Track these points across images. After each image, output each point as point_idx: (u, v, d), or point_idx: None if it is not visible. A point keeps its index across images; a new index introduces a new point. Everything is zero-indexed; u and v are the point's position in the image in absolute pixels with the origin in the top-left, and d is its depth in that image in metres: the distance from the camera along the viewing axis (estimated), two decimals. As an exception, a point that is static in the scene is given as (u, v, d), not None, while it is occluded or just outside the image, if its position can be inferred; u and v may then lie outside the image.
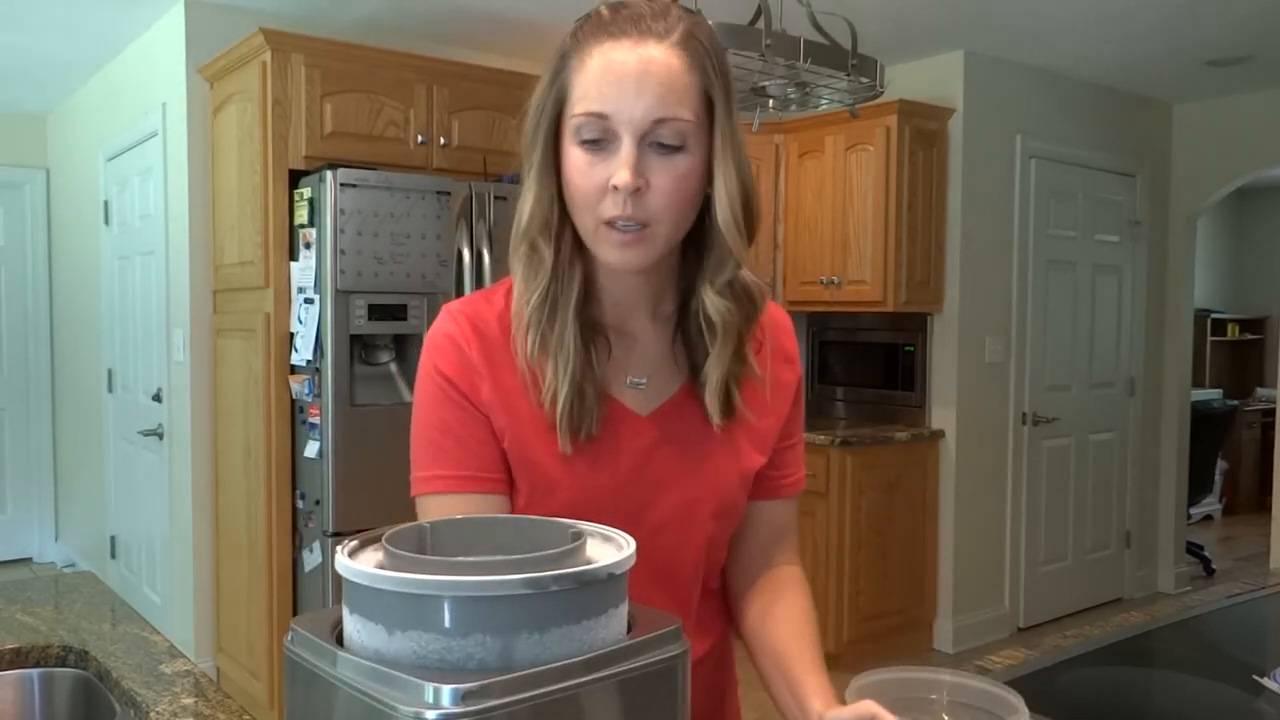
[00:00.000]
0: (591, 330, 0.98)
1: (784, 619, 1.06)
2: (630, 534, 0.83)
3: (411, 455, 1.00)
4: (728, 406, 1.00)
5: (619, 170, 0.89)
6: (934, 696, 0.96)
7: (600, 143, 0.90)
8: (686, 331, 1.01)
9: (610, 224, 0.91)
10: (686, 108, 0.90)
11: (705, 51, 0.92)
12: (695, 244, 0.98)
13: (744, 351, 1.01)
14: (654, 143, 0.90)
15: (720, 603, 1.13)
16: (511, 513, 0.98)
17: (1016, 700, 0.88)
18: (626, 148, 0.89)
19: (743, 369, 1.01)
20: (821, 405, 4.86)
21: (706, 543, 1.04)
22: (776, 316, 1.12)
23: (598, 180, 0.90)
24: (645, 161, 0.89)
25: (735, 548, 1.12)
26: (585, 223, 0.93)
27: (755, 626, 1.08)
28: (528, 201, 0.96)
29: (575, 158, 0.91)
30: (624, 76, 0.89)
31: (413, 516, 0.99)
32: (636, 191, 0.89)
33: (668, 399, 1.02)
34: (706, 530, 1.03)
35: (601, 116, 0.89)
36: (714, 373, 0.99)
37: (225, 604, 3.62)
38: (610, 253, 0.93)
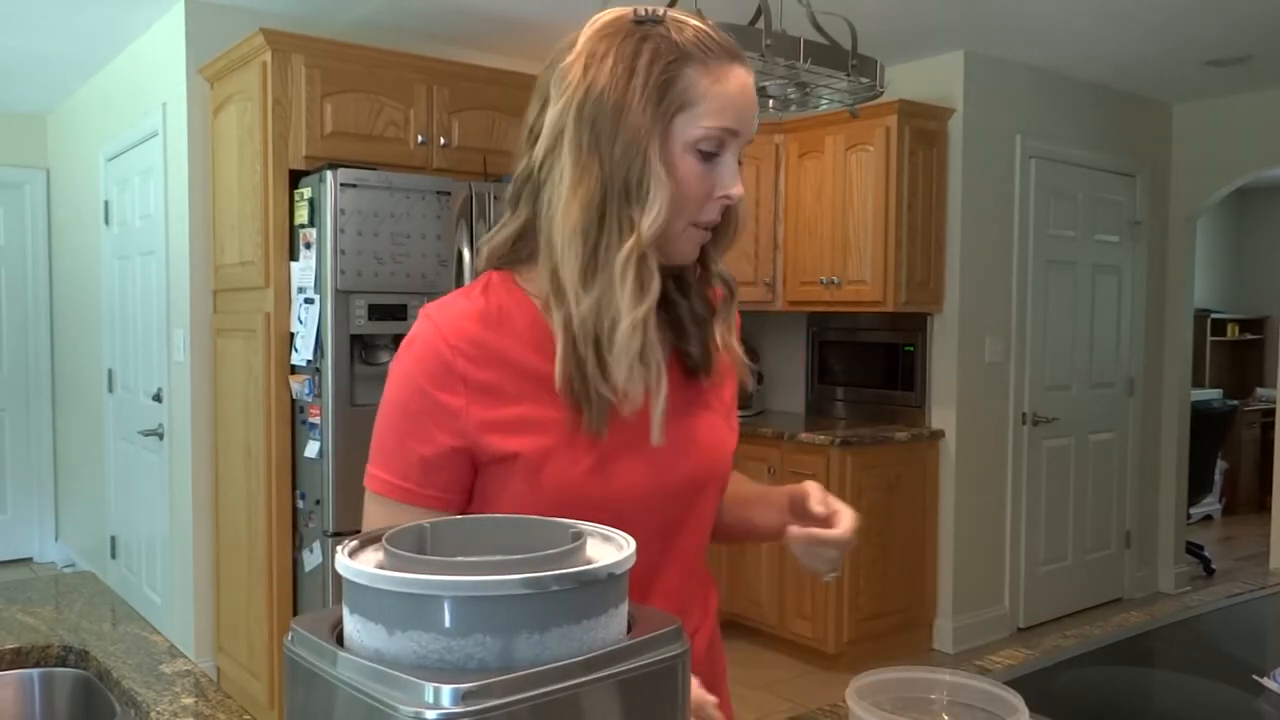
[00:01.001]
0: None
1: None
2: (648, 504, 0.97)
3: (372, 448, 1.01)
4: (704, 355, 1.08)
5: (735, 184, 0.98)
6: (934, 696, 0.96)
7: (713, 155, 0.98)
8: (673, 306, 1.07)
9: (697, 225, 1.00)
10: None
11: None
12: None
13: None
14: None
15: (706, 580, 1.16)
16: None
17: (1016, 700, 0.88)
18: (733, 162, 0.99)
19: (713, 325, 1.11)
20: (821, 405, 4.86)
21: (711, 509, 1.11)
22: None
23: (708, 188, 0.98)
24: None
25: None
26: (676, 224, 0.98)
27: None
28: (650, 204, 0.94)
29: (691, 165, 0.97)
30: (750, 100, 0.99)
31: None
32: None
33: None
34: (712, 495, 1.10)
35: (734, 134, 0.98)
36: (728, 331, 1.09)
37: (225, 604, 3.62)
38: (691, 250, 1.02)
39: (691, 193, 0.97)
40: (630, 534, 0.96)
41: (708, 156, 0.97)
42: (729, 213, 1.04)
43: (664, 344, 1.04)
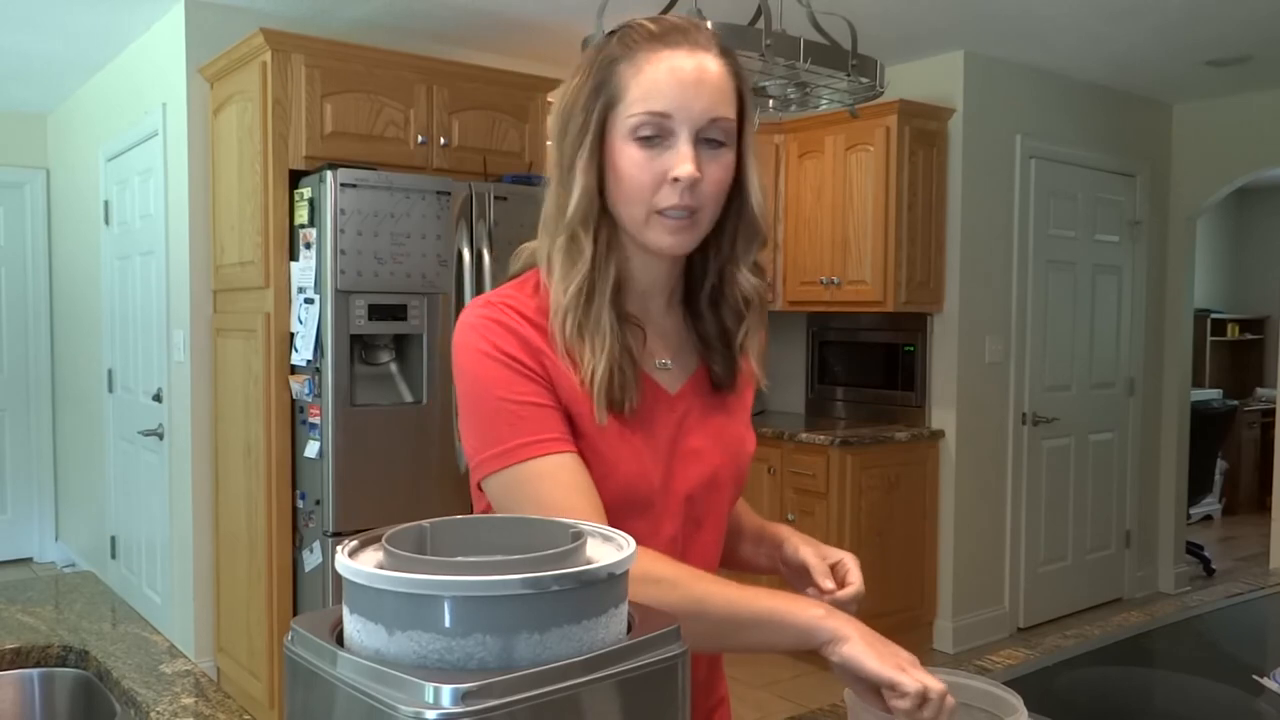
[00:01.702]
0: (622, 318, 1.06)
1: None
2: (665, 504, 1.01)
3: (479, 436, 1.01)
4: (729, 372, 1.12)
5: (681, 163, 0.99)
6: None
7: (656, 140, 1.00)
8: (696, 311, 1.12)
9: (662, 213, 1.00)
10: (730, 108, 1.02)
11: (736, 63, 1.05)
12: (714, 232, 1.07)
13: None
14: (704, 139, 1.00)
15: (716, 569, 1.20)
16: None
17: (1016, 700, 0.88)
18: (685, 144, 0.99)
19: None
20: (821, 405, 4.86)
21: (728, 509, 1.15)
22: None
23: (655, 173, 1.00)
24: (698, 155, 1.00)
25: None
26: (636, 214, 1.02)
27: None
28: (571, 195, 1.03)
29: (631, 153, 1.00)
30: (685, 80, 0.99)
31: (411, 516, 0.98)
32: (693, 182, 0.99)
33: (690, 377, 1.12)
34: (728, 496, 1.14)
35: (664, 115, 0.99)
36: (753, 343, 1.12)
37: (225, 604, 3.62)
38: (663, 238, 1.02)
39: (638, 180, 1.00)
40: (656, 528, 1.04)
41: (650, 142, 0.99)
42: (732, 215, 1.06)
43: (692, 354, 1.12)
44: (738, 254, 1.09)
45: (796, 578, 1.14)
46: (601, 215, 1.04)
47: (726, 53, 1.04)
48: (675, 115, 0.99)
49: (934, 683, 0.87)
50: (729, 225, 1.08)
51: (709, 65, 1.00)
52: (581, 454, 1.01)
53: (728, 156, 1.02)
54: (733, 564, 1.24)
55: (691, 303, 1.12)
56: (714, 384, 1.12)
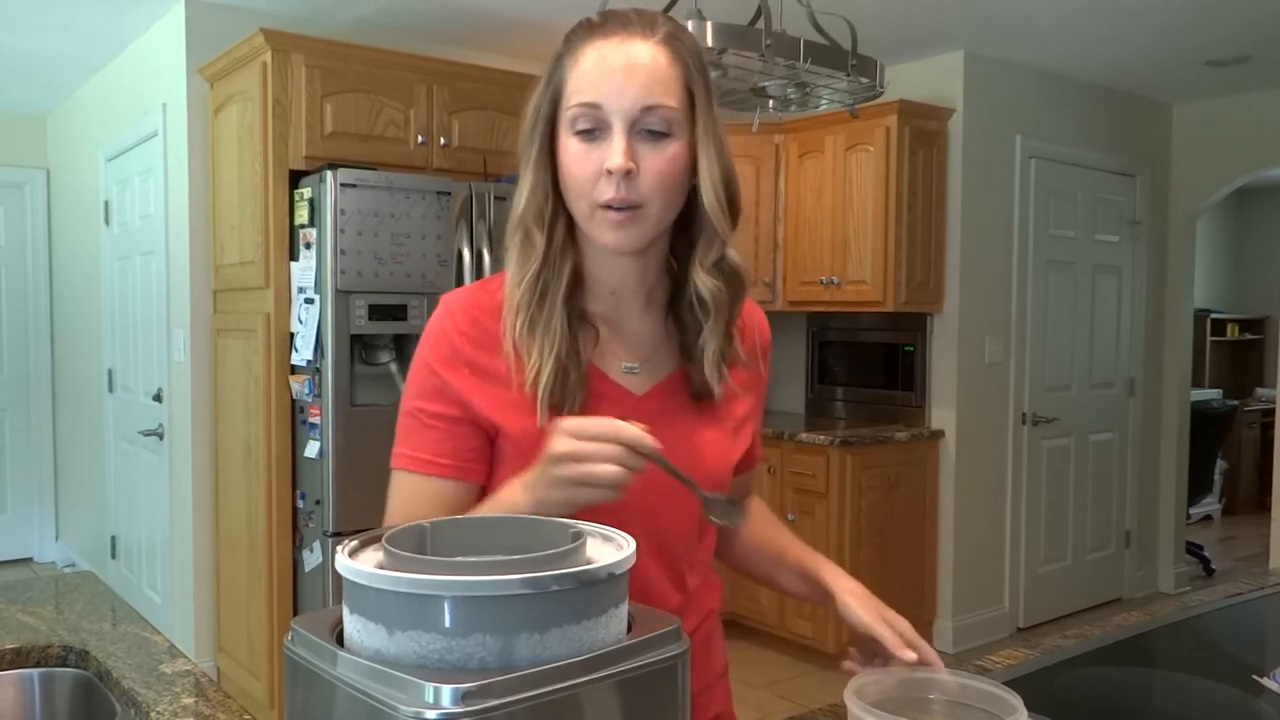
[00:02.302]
0: (580, 318, 1.04)
1: (755, 516, 1.24)
2: (627, 510, 0.93)
3: (396, 430, 1.07)
4: (718, 381, 1.07)
5: (613, 155, 0.96)
6: (933, 696, 0.96)
7: (593, 132, 0.98)
8: (679, 317, 1.08)
9: (605, 207, 0.98)
10: (671, 96, 0.98)
11: (687, 50, 1.01)
12: (684, 232, 1.05)
13: (732, 331, 1.09)
14: (643, 130, 0.97)
15: (709, 578, 1.16)
16: (481, 498, 1.03)
17: (1015, 700, 0.88)
18: (617, 134, 0.97)
19: (730, 350, 1.08)
20: (821, 405, 4.86)
21: (698, 517, 1.08)
22: (756, 312, 1.20)
23: (593, 166, 0.97)
24: (635, 147, 0.97)
25: None
26: (581, 208, 1.00)
27: (730, 537, 1.23)
28: (523, 192, 1.03)
29: (571, 147, 0.99)
30: (613, 69, 0.97)
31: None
32: (628, 174, 0.96)
33: (660, 381, 1.08)
34: (697, 506, 1.06)
35: (594, 106, 0.97)
36: (710, 344, 1.06)
37: (225, 604, 3.62)
38: (606, 234, 0.99)
39: (577, 174, 0.98)
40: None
41: (589, 135, 0.98)
42: (695, 213, 1.02)
43: (668, 358, 1.09)
44: (695, 254, 1.04)
45: (863, 645, 1.08)
46: (558, 212, 1.02)
47: (672, 40, 1.00)
48: (605, 105, 0.97)
49: None
50: (681, 229, 1.05)
51: (640, 53, 0.97)
52: (522, 458, 0.97)
53: (672, 148, 0.98)
54: (775, 588, 1.22)
55: (675, 306, 1.08)
56: (692, 393, 1.08)
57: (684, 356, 1.08)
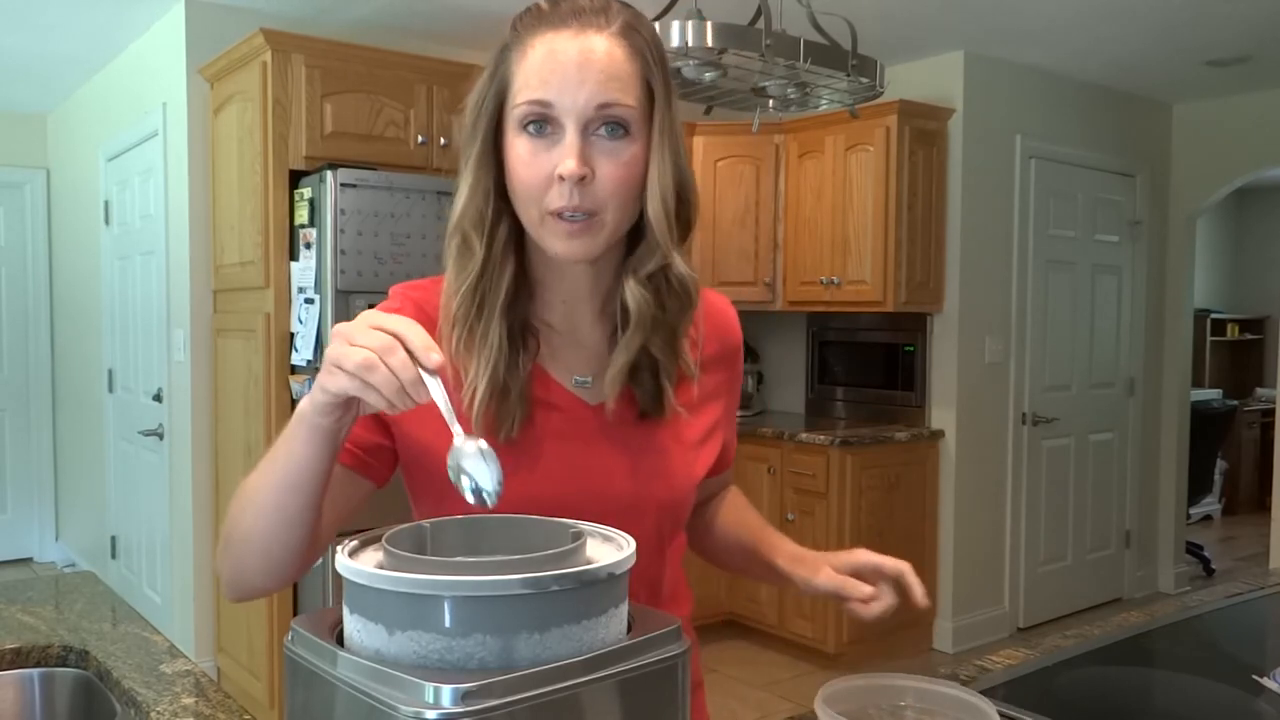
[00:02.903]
0: (524, 329, 0.97)
1: (726, 509, 1.21)
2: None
3: None
4: (655, 400, 0.99)
5: (565, 159, 0.88)
6: (903, 703, 0.95)
7: (544, 132, 0.90)
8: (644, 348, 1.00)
9: (557, 215, 0.90)
10: (628, 94, 0.90)
11: (645, 42, 0.93)
12: (636, 237, 0.97)
13: (678, 346, 1.00)
14: (598, 130, 0.90)
15: (678, 590, 1.12)
16: (369, 495, 0.99)
17: (986, 706, 0.88)
18: (570, 136, 0.88)
19: (676, 365, 1.00)
20: (821, 405, 4.86)
21: (655, 532, 1.02)
22: (717, 305, 1.11)
23: (543, 170, 0.89)
24: (590, 150, 0.89)
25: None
26: (530, 215, 0.92)
27: (703, 534, 1.20)
28: (462, 193, 0.95)
29: (518, 148, 0.91)
30: (566, 65, 0.89)
31: (411, 516, 0.99)
32: (582, 180, 0.88)
33: (615, 393, 1.00)
34: (653, 521, 1.01)
35: (544, 104, 0.89)
36: (618, 359, 0.97)
37: (225, 604, 3.62)
38: (558, 243, 0.91)
39: (526, 178, 0.90)
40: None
41: (539, 135, 0.90)
42: (643, 214, 0.94)
43: (620, 377, 0.99)
44: (632, 262, 0.96)
45: (850, 588, 1.09)
46: (500, 216, 0.94)
47: (630, 31, 0.91)
48: (557, 104, 0.88)
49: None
50: (635, 234, 0.96)
51: (597, 46, 0.89)
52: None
53: (629, 150, 0.90)
54: (749, 578, 1.21)
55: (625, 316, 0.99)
56: (640, 410, 0.99)
57: (631, 376, 0.98)
